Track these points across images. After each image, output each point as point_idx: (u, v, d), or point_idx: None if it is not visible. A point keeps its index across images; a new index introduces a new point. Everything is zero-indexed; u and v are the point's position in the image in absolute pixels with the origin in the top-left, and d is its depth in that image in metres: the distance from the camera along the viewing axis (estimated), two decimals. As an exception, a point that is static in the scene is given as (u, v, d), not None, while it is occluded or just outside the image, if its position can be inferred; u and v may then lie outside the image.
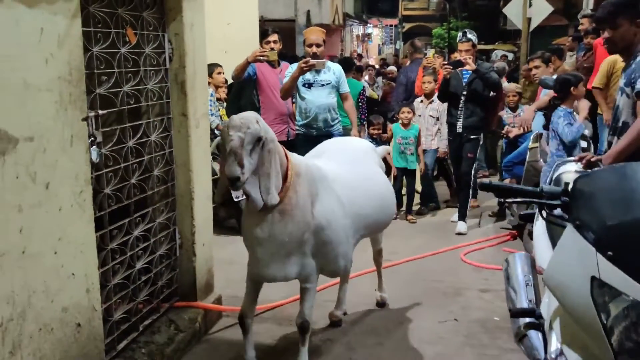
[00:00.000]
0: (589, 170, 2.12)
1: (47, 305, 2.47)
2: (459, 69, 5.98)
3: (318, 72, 5.40)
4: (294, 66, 5.34)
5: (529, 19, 12.13)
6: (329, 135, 5.41)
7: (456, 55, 6.36)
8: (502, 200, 2.08)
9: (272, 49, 5.69)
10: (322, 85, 5.45)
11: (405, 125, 6.54)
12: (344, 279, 3.97)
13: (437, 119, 6.93)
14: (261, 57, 5.43)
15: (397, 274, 4.83)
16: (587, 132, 5.12)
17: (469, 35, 5.98)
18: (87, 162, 2.68)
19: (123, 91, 3.07)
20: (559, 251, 1.78)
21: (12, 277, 2.27)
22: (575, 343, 1.68)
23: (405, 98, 7.64)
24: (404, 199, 6.79)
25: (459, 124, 6.04)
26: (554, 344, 1.79)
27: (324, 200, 3.11)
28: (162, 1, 3.40)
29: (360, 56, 22.46)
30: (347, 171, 3.43)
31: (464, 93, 6.01)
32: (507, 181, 6.10)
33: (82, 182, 2.65)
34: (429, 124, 6.95)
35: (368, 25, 32.72)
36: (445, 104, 6.45)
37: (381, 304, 4.21)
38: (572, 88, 4.76)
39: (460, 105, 6.04)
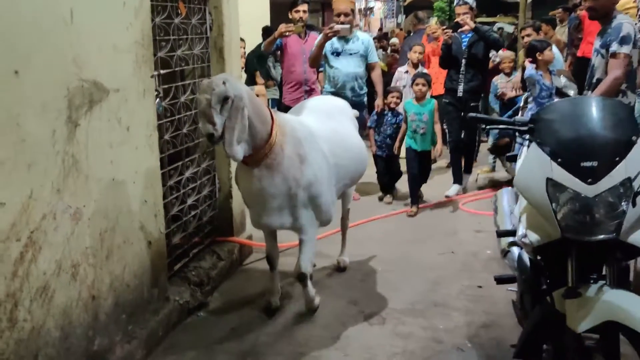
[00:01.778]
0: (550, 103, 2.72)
1: (129, 224, 3.12)
2: (459, 30, 6.03)
3: (347, 41, 5.56)
4: (320, 37, 5.47)
5: (526, -9, 12.58)
6: (357, 104, 5.49)
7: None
8: (485, 127, 2.70)
9: (301, 18, 5.86)
10: (351, 54, 5.61)
11: (418, 100, 5.89)
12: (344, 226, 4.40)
13: None
14: (287, 33, 5.49)
15: (402, 220, 5.50)
16: (572, 93, 5.72)
17: None
18: (155, 112, 3.32)
19: (176, 55, 3.69)
20: (525, 162, 2.42)
21: (107, 198, 2.92)
22: (535, 227, 2.33)
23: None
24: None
25: (460, 88, 6.08)
26: (521, 229, 2.43)
27: (311, 158, 3.36)
28: (204, -21, 4.00)
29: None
30: (326, 125, 3.68)
31: (465, 57, 6.05)
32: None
33: (151, 127, 3.29)
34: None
35: (370, -1, 32.91)
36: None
37: (341, 268, 4.32)
38: (537, 53, 5.36)
39: (461, 69, 6.07)
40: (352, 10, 5.64)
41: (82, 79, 2.70)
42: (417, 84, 5.87)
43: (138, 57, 3.11)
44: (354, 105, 5.46)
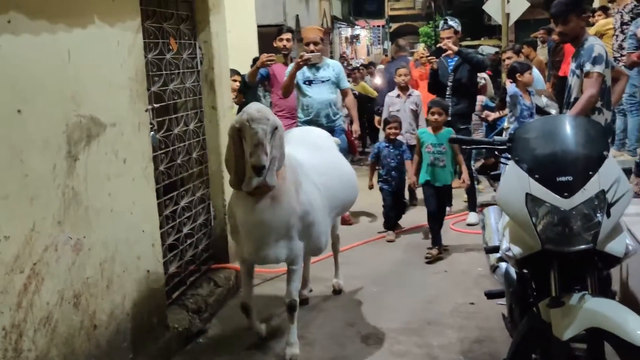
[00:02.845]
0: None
1: (128, 253, 3.21)
2: (443, 55, 6.01)
3: (317, 69, 5.66)
4: (291, 67, 5.62)
5: (508, 15, 12.94)
6: (331, 130, 5.57)
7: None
8: (467, 147, 2.84)
9: (285, 46, 6.07)
10: (322, 81, 5.69)
11: (435, 130, 5.30)
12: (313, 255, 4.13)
13: (416, 112, 6.75)
14: (268, 63, 5.65)
15: (396, 242, 5.61)
16: (553, 112, 5.89)
17: (450, 22, 6.06)
18: (150, 144, 3.44)
19: (169, 89, 3.83)
20: (505, 179, 2.54)
21: (106, 229, 3.02)
22: (517, 240, 2.44)
23: (389, 91, 7.59)
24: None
25: (448, 112, 5.75)
26: (505, 243, 2.55)
27: (305, 187, 3.39)
28: (194, 15, 4.16)
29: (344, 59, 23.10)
30: (315, 157, 3.71)
31: (450, 80, 5.99)
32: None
33: (147, 159, 3.41)
34: (410, 118, 6.70)
35: (356, 27, 33.52)
36: (420, 96, 6.67)
37: (337, 290, 4.40)
38: (517, 74, 5.56)
39: (447, 93, 5.98)
40: (322, 39, 5.79)
41: (80, 115, 2.82)
42: (432, 113, 5.32)
43: (132, 92, 3.24)
44: (330, 131, 5.53)
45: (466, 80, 6.01)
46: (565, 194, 2.27)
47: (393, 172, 5.77)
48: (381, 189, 5.84)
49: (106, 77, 3.03)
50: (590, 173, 2.28)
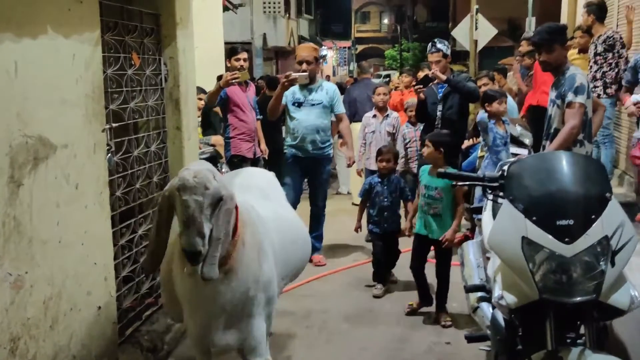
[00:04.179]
0: (519, 158, 2.68)
1: (76, 289, 2.89)
2: (433, 83, 5.44)
3: (310, 91, 5.26)
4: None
5: (476, 41, 13.02)
6: (318, 159, 5.33)
7: (424, 71, 5.84)
8: (455, 183, 2.63)
9: (242, 67, 5.72)
10: (313, 104, 5.26)
11: (433, 169, 4.23)
12: None
13: (394, 135, 6.32)
14: (233, 81, 5.34)
15: (367, 272, 5.34)
16: (527, 141, 5.79)
17: (439, 45, 5.45)
18: (106, 167, 3.13)
19: (129, 107, 3.53)
20: (498, 220, 2.34)
21: (52, 263, 2.69)
22: (511, 288, 2.24)
23: (350, 115, 7.11)
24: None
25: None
26: (497, 290, 2.33)
27: (266, 249, 2.69)
28: (159, 29, 3.88)
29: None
30: (266, 208, 2.97)
31: (440, 110, 5.43)
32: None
33: (102, 184, 3.10)
34: (385, 141, 6.17)
35: (322, 47, 33.64)
36: (399, 118, 6.33)
37: None
38: (485, 104, 5.31)
39: (436, 123, 5.40)
40: (316, 58, 5.39)
41: (27, 135, 2.51)
42: (427, 146, 4.30)
43: (88, 110, 2.94)
44: (316, 159, 5.33)
45: (457, 110, 5.43)
46: (567, 239, 2.08)
47: (385, 213, 4.81)
48: (370, 232, 4.95)
49: (58, 93, 2.72)
50: (593, 217, 2.10)
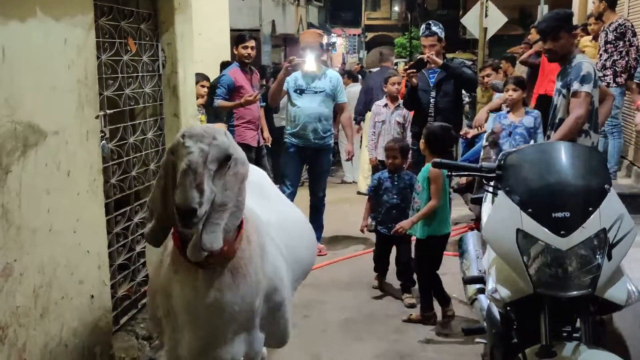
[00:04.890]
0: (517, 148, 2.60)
1: (68, 277, 2.86)
2: (425, 68, 5.10)
3: (313, 78, 5.16)
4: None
5: (486, 29, 12.85)
6: (319, 149, 5.21)
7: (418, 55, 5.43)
8: (450, 173, 2.56)
9: (249, 54, 5.68)
10: (315, 92, 5.16)
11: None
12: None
13: (404, 126, 6.01)
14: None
15: (367, 262, 5.30)
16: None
17: (434, 28, 5.09)
18: (99, 154, 3.10)
19: (125, 94, 3.49)
20: (493, 212, 2.28)
21: (42, 251, 2.67)
22: (505, 281, 2.18)
23: (365, 102, 7.47)
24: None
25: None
26: (491, 284, 2.28)
27: (270, 252, 2.38)
28: (157, 14, 3.82)
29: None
30: (267, 207, 2.69)
31: (433, 97, 5.08)
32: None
33: (95, 171, 3.06)
34: (395, 132, 5.93)
35: (332, 34, 33.44)
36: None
37: None
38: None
39: (429, 112, 5.05)
40: (321, 45, 5.29)
41: (15, 121, 2.48)
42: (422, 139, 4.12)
43: (81, 96, 2.90)
44: (317, 149, 5.24)
45: (451, 97, 5.11)
46: (562, 232, 2.02)
47: (394, 211, 4.43)
48: (376, 231, 4.62)
49: (49, 79, 2.68)
50: (590, 209, 2.04)
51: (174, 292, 2.17)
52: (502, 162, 2.29)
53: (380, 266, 4.68)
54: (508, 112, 5.19)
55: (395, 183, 4.50)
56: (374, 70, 9.59)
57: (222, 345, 2.21)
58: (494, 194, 2.49)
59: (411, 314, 4.13)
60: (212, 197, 1.95)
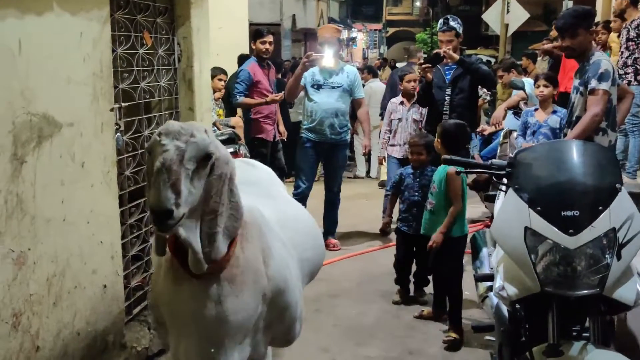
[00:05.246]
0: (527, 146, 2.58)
1: (81, 267, 2.90)
2: (441, 64, 4.98)
3: (330, 73, 5.18)
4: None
5: (507, 25, 12.72)
6: (335, 144, 5.24)
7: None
8: (462, 170, 2.55)
9: (267, 49, 5.75)
10: (333, 87, 5.18)
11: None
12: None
13: (421, 123, 5.76)
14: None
15: (381, 257, 5.30)
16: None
17: (451, 23, 4.95)
18: (114, 146, 3.13)
19: (140, 87, 3.52)
20: (502, 209, 2.27)
21: (56, 241, 2.71)
22: (513, 279, 2.17)
23: (391, 98, 7.31)
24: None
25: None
26: (498, 281, 2.27)
27: (276, 253, 2.27)
28: (173, 8, 3.84)
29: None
30: (272, 206, 2.59)
31: (448, 94, 4.96)
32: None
33: (109, 163, 3.10)
34: (411, 129, 5.74)
35: (352, 29, 33.33)
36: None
37: None
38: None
39: (444, 109, 4.94)
40: (339, 40, 5.29)
41: (31, 113, 2.51)
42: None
43: (96, 89, 2.93)
44: (334, 144, 5.26)
45: (467, 94, 4.97)
46: (571, 230, 2.00)
47: (415, 209, 4.24)
48: (397, 231, 4.44)
49: (64, 71, 2.72)
50: (600, 208, 2.01)
51: (170, 302, 2.11)
52: (513, 159, 2.28)
53: (402, 275, 4.39)
54: (536, 109, 5.12)
55: (417, 180, 4.34)
56: (400, 65, 9.56)
57: (226, 352, 2.11)
58: (505, 192, 2.48)
59: (423, 311, 4.12)
60: (191, 200, 1.84)
